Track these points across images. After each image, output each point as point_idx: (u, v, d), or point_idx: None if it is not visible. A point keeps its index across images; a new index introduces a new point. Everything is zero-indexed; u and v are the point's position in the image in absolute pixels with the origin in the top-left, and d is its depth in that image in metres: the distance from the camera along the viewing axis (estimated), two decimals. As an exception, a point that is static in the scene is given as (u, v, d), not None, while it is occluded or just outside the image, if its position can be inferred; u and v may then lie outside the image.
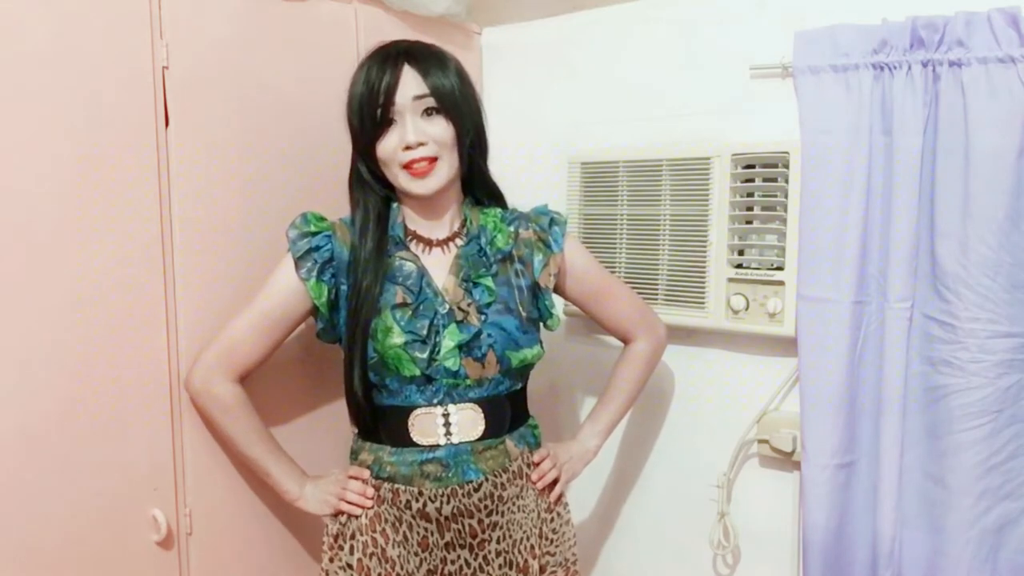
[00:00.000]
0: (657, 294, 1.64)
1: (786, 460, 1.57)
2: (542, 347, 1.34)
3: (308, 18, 1.48)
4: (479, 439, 1.29)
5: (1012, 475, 1.31)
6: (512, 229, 1.34)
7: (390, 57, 1.24)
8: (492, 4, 1.89)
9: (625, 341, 1.49)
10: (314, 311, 1.31)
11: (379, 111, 1.23)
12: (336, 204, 1.36)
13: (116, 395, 1.22)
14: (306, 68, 1.48)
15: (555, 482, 1.39)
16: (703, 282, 1.59)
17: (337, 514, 1.32)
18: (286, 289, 1.29)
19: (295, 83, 1.46)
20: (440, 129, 1.24)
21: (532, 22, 1.85)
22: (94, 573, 1.21)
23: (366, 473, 1.31)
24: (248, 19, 1.38)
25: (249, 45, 1.39)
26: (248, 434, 1.32)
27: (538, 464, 1.37)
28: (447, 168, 1.26)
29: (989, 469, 1.31)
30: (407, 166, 1.24)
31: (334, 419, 1.52)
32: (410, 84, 1.22)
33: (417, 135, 1.22)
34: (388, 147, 1.25)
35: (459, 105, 1.26)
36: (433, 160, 1.24)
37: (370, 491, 1.29)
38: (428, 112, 1.24)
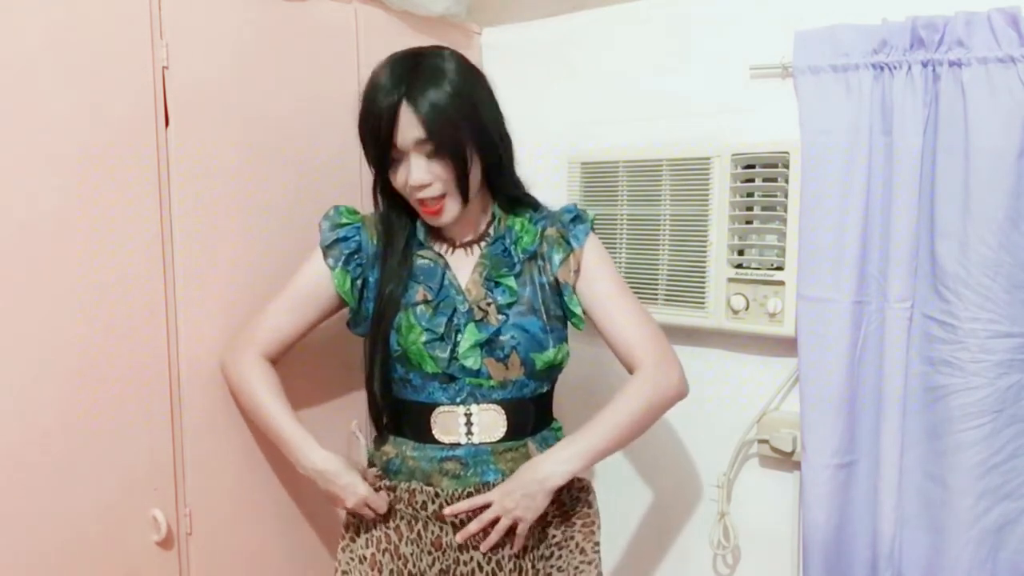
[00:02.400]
0: (657, 294, 1.64)
1: (786, 460, 1.56)
2: (568, 348, 1.33)
3: (308, 18, 1.48)
4: (500, 440, 1.28)
5: (1012, 475, 1.31)
6: (538, 228, 1.34)
7: (390, 90, 1.18)
8: (492, 4, 1.88)
9: (630, 369, 1.31)
10: (343, 300, 1.33)
11: (383, 152, 1.22)
12: (336, 204, 1.36)
13: (116, 395, 1.22)
14: (306, 68, 1.48)
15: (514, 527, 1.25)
16: (703, 282, 1.58)
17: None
18: (315, 273, 1.32)
19: (295, 83, 1.46)
20: (443, 168, 1.21)
21: (532, 22, 1.85)
22: (94, 573, 1.21)
23: (384, 507, 1.29)
24: (248, 19, 1.38)
25: (249, 45, 1.39)
26: (272, 402, 1.31)
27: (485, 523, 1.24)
28: (456, 203, 1.25)
29: (989, 469, 1.31)
30: (419, 201, 1.25)
31: (340, 414, 1.52)
32: (408, 129, 1.18)
33: (420, 176, 1.21)
34: (398, 182, 1.25)
35: (460, 143, 1.21)
36: (442, 197, 1.24)
37: (383, 506, 1.29)
38: (430, 154, 1.21)
